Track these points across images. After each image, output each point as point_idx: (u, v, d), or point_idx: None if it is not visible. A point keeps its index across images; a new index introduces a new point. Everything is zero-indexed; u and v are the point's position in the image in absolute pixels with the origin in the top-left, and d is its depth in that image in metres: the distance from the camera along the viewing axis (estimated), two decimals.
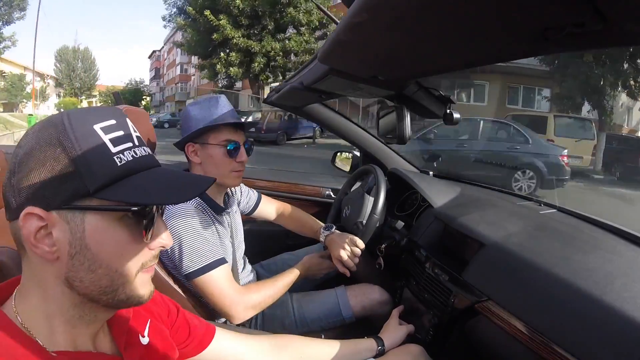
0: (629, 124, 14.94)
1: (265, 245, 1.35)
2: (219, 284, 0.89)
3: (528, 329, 0.63)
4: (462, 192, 1.22)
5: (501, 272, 0.76)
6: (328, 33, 13.95)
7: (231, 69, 12.37)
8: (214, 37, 11.74)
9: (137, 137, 0.43)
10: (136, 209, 0.40)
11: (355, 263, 1.07)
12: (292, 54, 12.86)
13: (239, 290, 0.91)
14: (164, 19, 13.19)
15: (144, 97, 39.70)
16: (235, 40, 11.68)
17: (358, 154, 1.66)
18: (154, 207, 0.42)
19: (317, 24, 12.89)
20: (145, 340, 0.51)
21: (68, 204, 0.38)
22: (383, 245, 1.11)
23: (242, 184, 1.22)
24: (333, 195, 1.60)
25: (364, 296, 1.14)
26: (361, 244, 1.08)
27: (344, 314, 1.11)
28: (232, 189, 1.13)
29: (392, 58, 0.61)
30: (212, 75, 14.01)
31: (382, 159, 1.53)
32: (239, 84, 16.45)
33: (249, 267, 1.19)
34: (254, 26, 12.24)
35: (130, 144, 0.41)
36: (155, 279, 0.86)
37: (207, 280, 0.88)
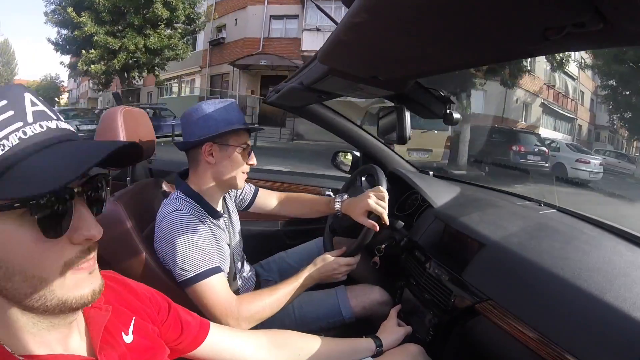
0: (526, 120, 15.01)
1: (265, 245, 1.34)
2: (211, 294, 0.86)
3: (528, 329, 0.63)
4: (462, 192, 1.22)
5: (501, 272, 0.76)
6: (197, 29, 13.32)
7: (92, 66, 11.58)
8: (75, 33, 11.27)
9: (34, 111, 0.37)
10: (18, 204, 0.33)
11: (383, 208, 0.98)
12: (159, 50, 12.19)
13: (232, 301, 0.87)
14: (45, 14, 11.87)
15: (62, 93, 35.46)
16: (96, 38, 11.16)
17: (358, 154, 1.66)
18: (65, 196, 0.36)
19: (183, 19, 12.38)
20: (128, 339, 0.49)
21: None
22: (383, 246, 1.11)
23: None
24: (333, 195, 1.60)
25: (364, 296, 1.14)
26: (383, 190, 1.01)
27: (344, 314, 1.11)
28: (227, 193, 1.12)
29: (392, 58, 0.61)
30: (78, 73, 13.35)
31: (382, 159, 1.52)
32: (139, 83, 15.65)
33: (248, 266, 1.19)
34: (118, 23, 11.65)
35: (19, 124, 0.36)
36: (151, 275, 0.86)
37: (199, 289, 0.85)
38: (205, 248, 0.88)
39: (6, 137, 0.35)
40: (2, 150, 0.34)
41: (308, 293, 1.20)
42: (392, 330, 0.89)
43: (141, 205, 0.96)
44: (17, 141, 0.35)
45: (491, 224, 0.89)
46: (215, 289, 0.86)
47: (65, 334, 0.43)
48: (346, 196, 1.15)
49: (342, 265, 1.02)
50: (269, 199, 1.28)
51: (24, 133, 0.36)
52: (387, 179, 1.13)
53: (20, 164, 0.35)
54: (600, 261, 0.72)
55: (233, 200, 1.18)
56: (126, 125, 0.98)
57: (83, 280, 0.39)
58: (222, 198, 1.05)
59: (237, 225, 1.14)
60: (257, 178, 1.66)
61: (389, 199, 1.05)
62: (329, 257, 1.02)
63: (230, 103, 0.98)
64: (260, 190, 1.27)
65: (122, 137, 0.96)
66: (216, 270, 0.87)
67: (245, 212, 1.25)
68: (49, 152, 0.36)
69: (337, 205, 1.15)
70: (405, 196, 1.37)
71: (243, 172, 0.99)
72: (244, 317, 0.87)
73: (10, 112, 0.36)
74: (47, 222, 0.35)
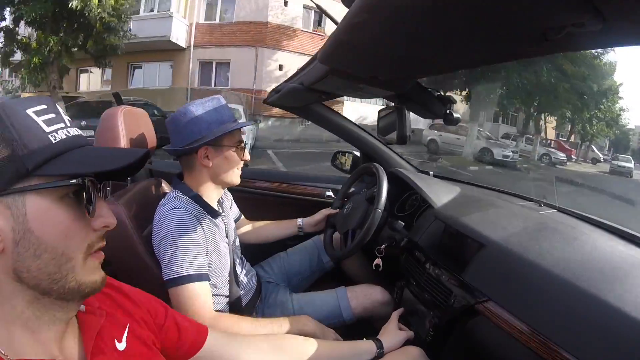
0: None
1: (265, 246, 1.34)
2: (190, 300, 0.82)
3: (528, 329, 0.63)
4: (462, 193, 1.22)
5: (501, 273, 0.76)
6: None
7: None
8: None
9: (67, 119, 0.44)
10: (74, 181, 0.40)
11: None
12: None
13: (209, 313, 0.84)
14: None
15: None
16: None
17: (358, 154, 1.66)
18: (94, 186, 0.42)
19: None
20: (121, 346, 0.48)
21: (7, 189, 0.37)
22: (383, 246, 1.11)
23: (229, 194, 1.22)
24: (333, 196, 1.60)
25: (365, 297, 1.14)
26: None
27: (345, 315, 1.11)
28: (223, 194, 1.12)
29: (392, 58, 0.61)
30: None
31: (382, 160, 1.52)
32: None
33: (247, 266, 1.19)
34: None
35: (62, 124, 0.42)
36: (151, 276, 0.86)
37: (180, 292, 0.83)
38: (196, 252, 0.86)
39: (56, 131, 0.41)
40: (55, 139, 0.40)
41: (308, 294, 1.20)
42: (393, 333, 0.89)
43: (141, 205, 0.96)
44: (65, 136, 0.42)
45: (491, 224, 0.89)
46: (195, 295, 0.83)
47: (62, 332, 0.43)
48: (302, 221, 1.29)
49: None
50: (246, 227, 1.30)
51: (68, 132, 0.42)
52: (387, 179, 1.13)
53: (67, 153, 0.41)
54: (601, 261, 0.72)
55: (229, 204, 1.18)
56: (126, 125, 0.97)
57: (96, 268, 0.43)
58: (219, 197, 1.05)
59: (234, 227, 1.14)
60: (256, 178, 1.66)
61: (389, 199, 1.05)
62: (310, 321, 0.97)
63: (218, 100, 0.97)
64: (242, 217, 1.30)
65: (123, 137, 0.96)
66: (201, 277, 0.85)
67: None
68: (82, 150, 0.43)
69: (300, 223, 1.29)
70: (405, 196, 1.37)
71: (238, 169, 1.01)
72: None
73: (52, 115, 0.42)
74: (87, 201, 0.41)
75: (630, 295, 0.59)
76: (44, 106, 0.42)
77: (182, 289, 0.83)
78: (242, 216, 1.29)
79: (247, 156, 1.01)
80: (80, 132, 0.44)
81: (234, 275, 1.04)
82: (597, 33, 0.35)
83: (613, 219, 0.95)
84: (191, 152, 0.94)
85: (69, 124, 0.43)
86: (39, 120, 0.40)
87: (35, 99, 0.42)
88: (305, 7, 7.82)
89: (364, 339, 0.84)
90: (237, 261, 1.10)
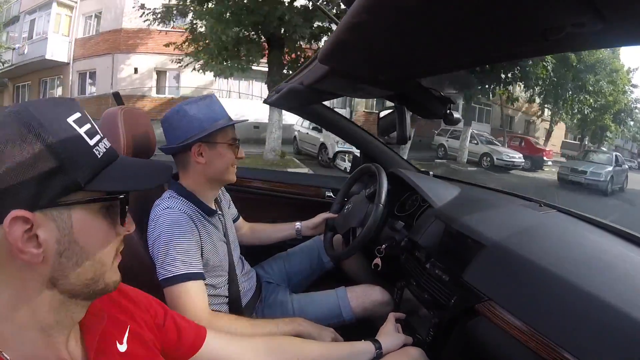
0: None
1: (265, 246, 1.34)
2: (184, 299, 0.82)
3: (528, 329, 0.63)
4: (462, 193, 1.22)
5: (501, 273, 0.76)
6: None
7: None
8: None
9: (97, 127, 0.44)
10: (122, 196, 0.42)
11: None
12: None
13: (205, 312, 0.84)
14: None
15: None
16: None
17: (358, 154, 1.66)
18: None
19: None
20: (122, 348, 0.48)
21: (56, 201, 0.37)
22: (383, 246, 1.11)
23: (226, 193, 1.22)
24: (333, 196, 1.60)
25: (365, 297, 1.13)
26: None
27: (344, 315, 1.11)
28: (221, 194, 1.12)
29: (392, 58, 0.61)
30: None
31: (382, 160, 1.52)
32: None
33: (247, 266, 1.19)
34: None
35: (99, 137, 0.43)
36: (150, 276, 0.86)
37: (173, 292, 0.83)
38: (190, 251, 0.86)
39: (97, 144, 0.42)
40: (99, 154, 0.41)
41: (308, 294, 1.20)
42: (391, 333, 0.89)
43: (141, 206, 0.96)
44: (104, 150, 0.42)
45: (491, 225, 0.89)
46: (190, 294, 0.83)
47: (68, 334, 0.43)
48: (299, 225, 1.30)
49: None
50: (244, 228, 1.30)
51: (105, 145, 0.43)
52: (388, 179, 1.13)
53: (107, 168, 0.42)
54: (601, 262, 0.72)
55: (226, 203, 1.18)
56: (126, 125, 0.98)
57: (117, 268, 0.46)
58: (215, 196, 1.05)
59: (232, 227, 1.14)
60: (256, 178, 1.65)
61: (389, 199, 1.05)
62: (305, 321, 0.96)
63: (211, 99, 0.97)
64: (240, 218, 1.29)
65: (123, 137, 0.96)
66: (196, 276, 0.85)
67: None
68: (118, 164, 0.44)
69: (297, 226, 1.30)
70: (405, 196, 1.37)
71: (233, 166, 1.00)
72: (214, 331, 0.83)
73: (89, 125, 0.42)
74: (119, 215, 0.43)
75: (630, 295, 0.59)
76: (79, 114, 0.41)
77: (176, 288, 0.83)
78: (240, 217, 1.29)
79: (241, 153, 1.00)
80: (108, 143, 0.45)
81: (233, 276, 1.04)
82: (597, 33, 0.35)
83: None
84: (185, 149, 0.94)
85: (101, 134, 0.44)
86: (82, 132, 0.40)
87: (66, 104, 0.41)
88: (165, 6, 7.60)
89: (363, 339, 0.84)
90: (236, 261, 1.10)
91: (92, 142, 0.41)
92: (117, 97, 1.19)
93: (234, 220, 1.25)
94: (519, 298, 0.69)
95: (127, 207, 0.44)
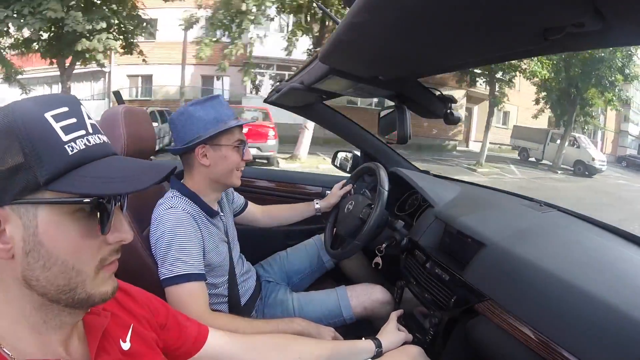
0: None
1: (265, 245, 1.34)
2: (185, 298, 0.83)
3: (528, 328, 0.63)
4: (462, 192, 1.22)
5: (501, 272, 0.76)
6: None
7: None
8: None
9: (91, 124, 0.41)
10: (88, 200, 0.37)
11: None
12: None
13: (205, 313, 0.84)
14: None
15: None
16: None
17: (358, 153, 1.66)
18: (111, 199, 0.40)
19: None
20: (126, 346, 0.48)
21: (19, 198, 0.36)
22: (383, 245, 1.11)
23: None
24: None
25: (365, 296, 1.13)
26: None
27: (345, 314, 1.11)
28: (222, 194, 1.12)
29: (392, 58, 0.61)
30: None
31: (383, 159, 1.52)
32: None
33: (247, 266, 1.18)
34: None
35: (82, 132, 0.39)
36: (150, 276, 0.86)
37: (174, 291, 0.83)
38: (192, 251, 0.86)
39: (74, 140, 0.38)
40: (72, 150, 0.38)
41: (308, 293, 1.20)
42: (392, 332, 0.89)
43: (141, 206, 0.96)
44: (83, 147, 0.39)
45: (491, 224, 0.89)
46: (190, 294, 0.84)
47: (68, 334, 0.43)
48: (318, 205, 1.30)
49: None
50: (257, 213, 1.29)
51: (88, 141, 0.39)
52: (388, 179, 1.13)
53: (84, 166, 0.38)
54: (601, 261, 0.72)
55: (230, 203, 1.18)
56: (127, 124, 0.98)
57: (108, 279, 0.42)
58: (218, 199, 1.05)
59: (233, 227, 1.14)
60: (255, 177, 1.66)
61: (389, 199, 1.05)
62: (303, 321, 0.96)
63: (216, 99, 0.96)
64: (250, 204, 1.28)
65: (124, 137, 0.96)
66: (197, 276, 0.85)
67: None
68: (102, 163, 0.40)
69: (317, 205, 1.30)
70: (405, 196, 1.38)
71: (238, 170, 0.98)
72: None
73: (73, 120, 0.39)
74: (101, 220, 0.39)
75: (630, 295, 0.59)
76: (65, 109, 0.39)
77: (178, 287, 0.83)
78: (249, 203, 1.27)
79: (248, 156, 0.99)
80: (104, 139, 0.42)
81: (233, 275, 1.04)
82: (597, 33, 0.35)
83: None
84: (190, 151, 0.94)
85: (91, 131, 0.40)
86: (57, 126, 0.37)
87: (59, 99, 0.40)
88: None
89: (363, 338, 0.85)
90: (237, 260, 1.10)
91: (66, 138, 0.37)
92: (118, 96, 1.19)
93: (243, 209, 1.24)
94: (518, 297, 0.69)
95: (109, 213, 0.39)
